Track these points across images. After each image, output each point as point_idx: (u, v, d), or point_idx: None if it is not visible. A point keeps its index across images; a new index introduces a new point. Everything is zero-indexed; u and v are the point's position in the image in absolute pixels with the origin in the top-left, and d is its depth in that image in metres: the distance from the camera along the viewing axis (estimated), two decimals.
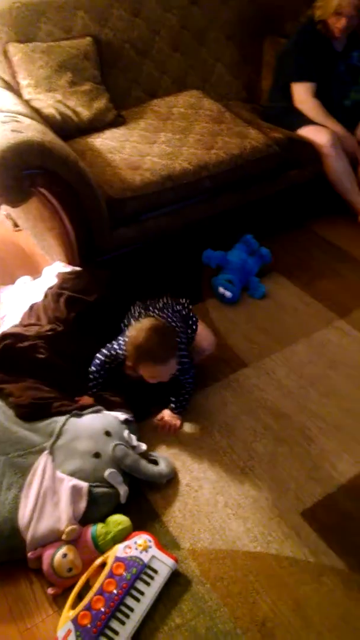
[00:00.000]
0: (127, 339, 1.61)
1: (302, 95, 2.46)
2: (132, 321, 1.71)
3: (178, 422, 1.73)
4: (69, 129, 2.22)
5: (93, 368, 1.71)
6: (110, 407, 1.67)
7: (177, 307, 1.78)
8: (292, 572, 1.37)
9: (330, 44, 2.43)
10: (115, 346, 1.68)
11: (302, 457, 1.63)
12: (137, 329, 1.58)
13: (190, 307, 1.83)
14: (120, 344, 1.67)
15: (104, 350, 1.70)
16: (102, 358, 1.70)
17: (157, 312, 1.72)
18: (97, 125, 2.31)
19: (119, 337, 1.70)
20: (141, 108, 2.49)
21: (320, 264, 2.38)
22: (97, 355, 1.71)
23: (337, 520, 1.47)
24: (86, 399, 1.68)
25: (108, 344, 1.71)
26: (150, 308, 1.75)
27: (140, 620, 1.27)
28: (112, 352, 1.68)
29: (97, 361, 1.70)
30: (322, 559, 1.39)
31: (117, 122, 2.36)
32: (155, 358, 1.56)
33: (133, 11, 2.45)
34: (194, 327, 1.80)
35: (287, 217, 2.59)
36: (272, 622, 1.28)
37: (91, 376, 1.72)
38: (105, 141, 2.24)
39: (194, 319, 1.81)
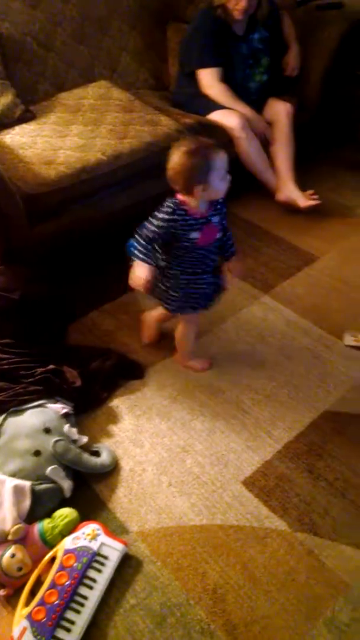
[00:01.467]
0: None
1: (209, 80, 2.49)
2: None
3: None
4: None
5: (140, 242, 1.55)
6: (55, 393, 1.68)
7: None
8: (238, 538, 1.43)
9: (230, 28, 2.46)
10: (163, 211, 1.55)
11: (239, 429, 1.69)
12: (177, 155, 1.46)
13: None
14: (166, 204, 1.56)
15: (151, 227, 1.54)
16: (152, 230, 1.53)
17: None
18: (5, 121, 2.26)
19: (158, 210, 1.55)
20: (50, 102, 2.45)
21: (241, 243, 2.42)
22: (144, 230, 1.55)
23: (275, 484, 1.54)
24: None
25: (147, 222, 1.56)
26: None
27: (95, 607, 1.29)
28: (165, 215, 1.55)
29: (143, 237, 1.54)
30: (264, 522, 1.46)
31: (26, 117, 2.32)
32: (217, 150, 1.46)
33: (31, 3, 2.41)
34: None
35: None
36: (223, 588, 1.34)
37: (138, 249, 1.55)
38: (15, 137, 2.19)
39: None
